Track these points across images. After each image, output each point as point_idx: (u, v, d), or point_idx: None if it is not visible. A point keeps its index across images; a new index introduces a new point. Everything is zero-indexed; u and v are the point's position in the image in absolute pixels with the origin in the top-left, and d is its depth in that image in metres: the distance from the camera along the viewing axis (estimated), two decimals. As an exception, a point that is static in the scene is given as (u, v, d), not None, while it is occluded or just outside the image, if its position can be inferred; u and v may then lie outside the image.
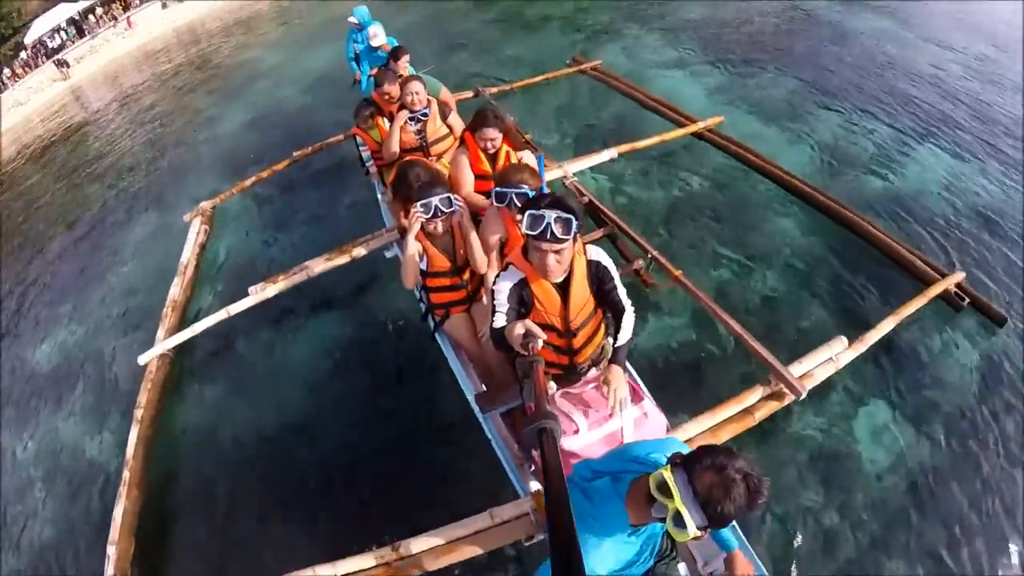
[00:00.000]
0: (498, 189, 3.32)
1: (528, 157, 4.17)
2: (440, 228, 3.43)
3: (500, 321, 2.53)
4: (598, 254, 2.67)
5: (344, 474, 4.13)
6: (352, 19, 7.47)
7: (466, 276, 3.64)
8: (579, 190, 5.36)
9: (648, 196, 6.38)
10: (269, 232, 7.03)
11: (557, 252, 2.40)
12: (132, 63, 21.85)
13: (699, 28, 11.73)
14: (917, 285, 4.61)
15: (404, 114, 4.83)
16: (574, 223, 2.35)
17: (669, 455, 1.79)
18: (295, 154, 7.33)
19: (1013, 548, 3.28)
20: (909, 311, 4.23)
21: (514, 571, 3.38)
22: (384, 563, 2.81)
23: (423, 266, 3.55)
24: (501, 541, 2.83)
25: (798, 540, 3.35)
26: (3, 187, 13.80)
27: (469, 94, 7.91)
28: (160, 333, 5.33)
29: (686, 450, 1.83)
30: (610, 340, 2.93)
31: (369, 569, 2.82)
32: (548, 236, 2.34)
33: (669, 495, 1.63)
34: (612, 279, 2.67)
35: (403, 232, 4.58)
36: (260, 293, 4.84)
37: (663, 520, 1.66)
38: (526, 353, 2.24)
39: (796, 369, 3.56)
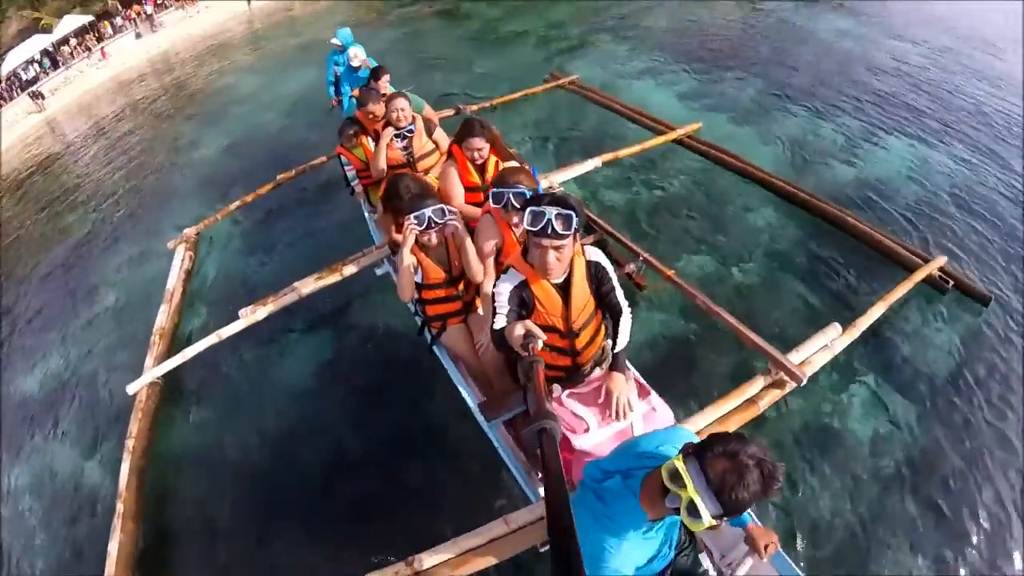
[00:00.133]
0: (495, 189, 3.27)
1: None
2: (434, 239, 3.38)
3: (501, 322, 2.51)
4: (597, 255, 2.68)
5: (347, 493, 4.03)
6: (335, 40, 7.50)
7: (461, 287, 3.58)
8: (567, 198, 5.30)
9: (633, 202, 6.42)
10: (256, 255, 6.92)
11: (558, 249, 2.41)
12: (107, 93, 21.54)
13: (667, 37, 12.05)
14: (902, 272, 4.73)
15: (390, 131, 4.79)
16: (574, 219, 2.35)
17: (681, 445, 1.76)
18: (279, 177, 7.20)
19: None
20: (897, 296, 4.37)
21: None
22: (400, 579, 2.72)
23: (418, 279, 3.48)
24: (516, 548, 2.76)
25: (798, 520, 3.40)
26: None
27: (450, 112, 7.87)
28: (148, 361, 5.19)
29: (695, 439, 1.85)
30: (609, 342, 2.93)
31: (385, 586, 2.73)
32: (549, 232, 2.34)
33: (682, 484, 1.60)
34: (611, 280, 2.69)
35: (394, 247, 4.52)
36: (251, 316, 4.71)
37: (677, 511, 1.62)
38: (526, 354, 2.20)
39: (794, 357, 3.61)
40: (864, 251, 5.19)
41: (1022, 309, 4.67)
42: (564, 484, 1.32)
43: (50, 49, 26.91)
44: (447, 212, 3.30)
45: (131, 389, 4.76)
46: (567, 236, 2.38)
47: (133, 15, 29.79)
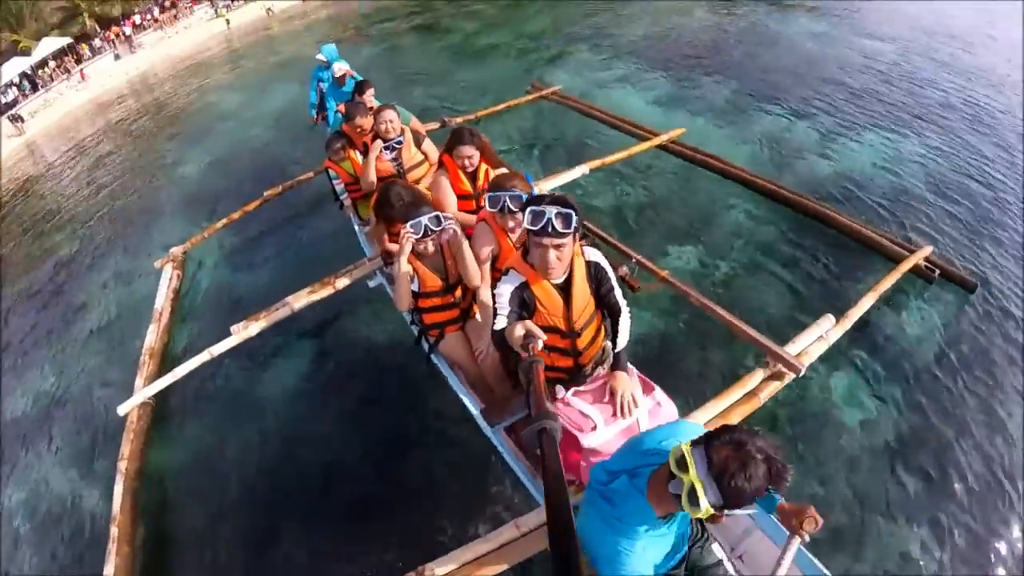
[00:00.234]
0: (492, 193, 3.23)
1: None
2: (431, 247, 3.34)
3: (501, 323, 2.50)
4: (596, 255, 2.69)
5: (349, 508, 3.94)
6: (320, 56, 7.49)
7: (458, 294, 3.54)
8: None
9: (622, 206, 6.44)
10: (246, 272, 6.82)
11: (558, 248, 2.41)
12: (87, 115, 21.34)
13: (644, 45, 12.20)
14: (888, 263, 4.82)
15: (379, 143, 4.75)
16: (574, 217, 2.35)
17: (685, 438, 1.74)
18: (265, 194, 7.08)
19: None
20: (886, 286, 4.46)
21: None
22: (411, 590, 2.65)
23: (414, 287, 3.43)
24: (527, 552, 2.70)
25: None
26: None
27: (435, 125, 7.83)
28: (139, 382, 5.05)
29: (701, 431, 1.80)
30: (609, 343, 2.95)
31: (397, 598, 2.65)
32: (549, 230, 2.35)
33: (686, 469, 1.59)
34: (610, 280, 2.71)
35: (387, 257, 4.49)
36: (243, 332, 4.60)
37: (679, 497, 1.60)
38: (526, 354, 2.17)
39: (791, 349, 3.64)
40: (849, 244, 5.28)
41: (1008, 293, 4.77)
42: (564, 484, 1.32)
43: (29, 72, 26.64)
44: (443, 219, 3.25)
45: (122, 410, 4.61)
46: (567, 235, 2.38)
47: (112, 36, 29.63)
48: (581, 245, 2.65)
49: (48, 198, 13.18)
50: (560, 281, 2.59)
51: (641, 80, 10.25)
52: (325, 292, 4.74)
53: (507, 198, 3.17)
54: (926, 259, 4.81)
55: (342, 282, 4.78)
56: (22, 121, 22.87)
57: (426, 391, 4.34)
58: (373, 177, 4.84)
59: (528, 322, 2.35)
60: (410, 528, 3.65)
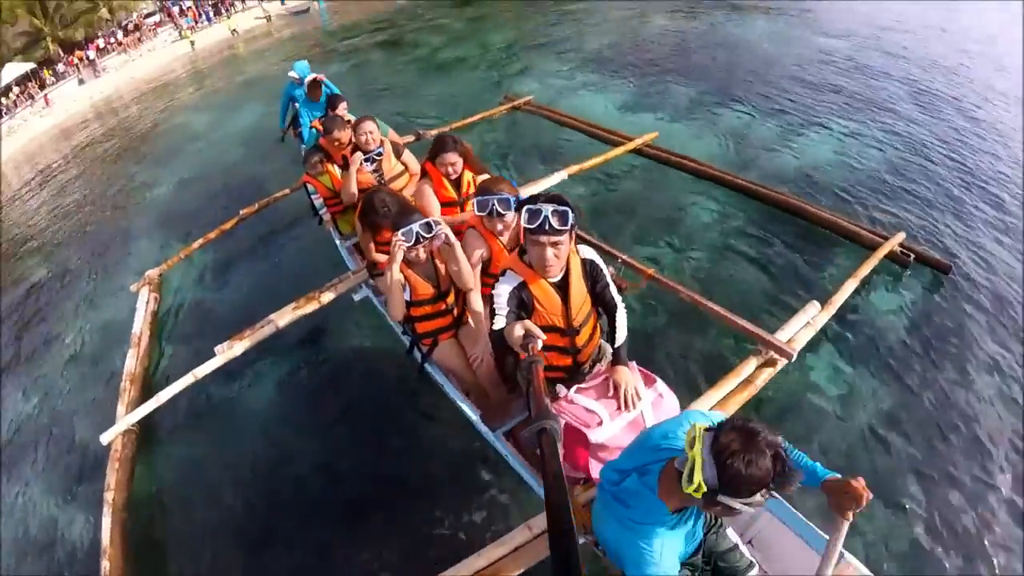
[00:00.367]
0: (479, 197, 3.20)
1: None
2: (422, 255, 3.27)
3: (500, 323, 2.50)
4: (590, 253, 2.72)
5: (353, 523, 3.77)
6: (293, 74, 7.39)
7: (450, 300, 3.47)
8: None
9: (602, 210, 6.42)
10: (226, 292, 6.61)
11: (555, 245, 2.42)
12: (52, 141, 20.75)
13: (608, 54, 12.30)
14: (863, 251, 4.90)
15: (359, 155, 4.66)
16: (570, 215, 2.37)
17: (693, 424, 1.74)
18: (241, 212, 6.83)
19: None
20: (865, 272, 4.53)
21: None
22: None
23: (406, 296, 3.35)
24: (542, 553, 2.63)
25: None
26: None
27: (410, 138, 7.73)
28: (120, 408, 4.78)
29: (707, 418, 1.83)
30: (604, 342, 3.00)
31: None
32: (546, 228, 2.36)
33: (693, 447, 1.60)
34: (604, 277, 2.74)
35: (373, 268, 4.38)
36: (228, 352, 4.42)
37: (681, 473, 1.61)
38: (526, 354, 2.15)
39: (781, 336, 3.72)
40: (821, 234, 5.38)
41: (979, 269, 4.94)
42: (564, 485, 1.30)
43: (-9, 99, 26.02)
44: (434, 225, 3.18)
45: (105, 439, 4.36)
46: (564, 232, 2.40)
47: (75, 61, 29.04)
48: (575, 243, 2.64)
49: (17, 225, 12.66)
50: (557, 279, 2.59)
51: (608, 87, 10.33)
52: (310, 307, 4.60)
53: (495, 201, 3.14)
54: (900, 245, 4.90)
55: (327, 296, 4.65)
56: (-15, 149, 22.26)
57: (421, 401, 4.24)
58: (354, 189, 4.74)
59: (527, 322, 2.33)
60: (419, 540, 3.53)
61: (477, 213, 3.25)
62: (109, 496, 4.02)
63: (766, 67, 9.92)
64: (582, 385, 2.73)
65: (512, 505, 3.51)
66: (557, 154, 7.69)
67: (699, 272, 5.28)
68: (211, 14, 34.30)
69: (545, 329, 2.38)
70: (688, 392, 3.52)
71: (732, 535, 2.27)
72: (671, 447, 1.82)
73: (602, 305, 2.80)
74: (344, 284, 4.68)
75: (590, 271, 2.71)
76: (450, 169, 3.96)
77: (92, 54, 29.73)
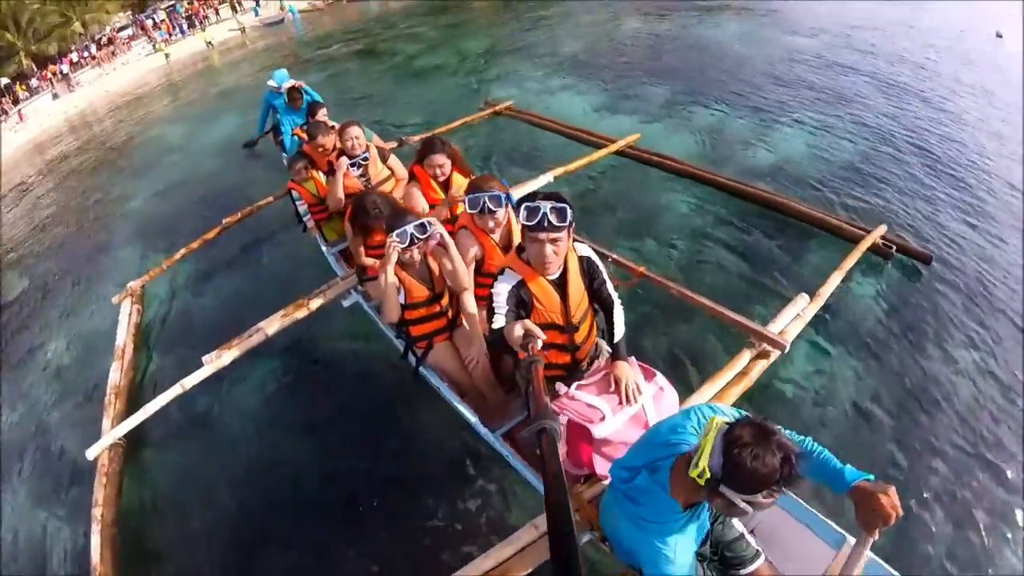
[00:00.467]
0: (471, 195, 3.16)
1: None
2: (416, 256, 3.20)
3: (500, 322, 2.46)
4: (587, 250, 2.72)
5: (353, 531, 3.63)
6: (272, 83, 7.30)
7: (445, 302, 3.40)
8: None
9: (589, 210, 6.37)
10: (211, 301, 6.43)
11: (554, 242, 2.41)
12: (26, 156, 20.14)
13: (581, 59, 12.36)
14: (845, 244, 4.96)
15: (345, 160, 4.59)
16: (568, 211, 2.36)
17: (702, 417, 1.83)
18: (224, 221, 6.68)
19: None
20: (850, 264, 4.60)
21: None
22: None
23: (400, 299, 3.28)
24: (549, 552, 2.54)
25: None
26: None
27: (393, 144, 7.65)
28: (106, 423, 4.62)
29: (725, 414, 1.83)
30: (601, 340, 2.99)
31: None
32: (545, 225, 2.34)
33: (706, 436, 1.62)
34: (601, 274, 2.73)
35: (363, 273, 4.29)
36: (216, 361, 4.31)
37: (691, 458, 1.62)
38: (526, 353, 2.12)
39: (773, 328, 3.76)
40: (803, 229, 5.42)
41: (960, 258, 5.02)
42: (564, 484, 1.27)
43: (-36, 115, 25.42)
44: (428, 226, 3.12)
45: (91, 453, 4.20)
46: (562, 228, 2.38)
47: (49, 75, 28.48)
48: (572, 241, 2.61)
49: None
50: (555, 277, 2.57)
51: (585, 90, 10.34)
52: (299, 315, 4.51)
53: (486, 198, 3.12)
54: (882, 237, 4.96)
55: (316, 303, 4.56)
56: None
57: (416, 405, 4.14)
58: (341, 194, 4.66)
59: (527, 321, 2.29)
60: (423, 544, 3.43)
61: (469, 211, 3.22)
62: (97, 512, 3.87)
63: (739, 66, 10.03)
64: (582, 382, 2.71)
65: (515, 505, 3.44)
66: (540, 157, 7.66)
67: (687, 269, 5.26)
68: (185, 27, 33.90)
69: (544, 327, 2.36)
70: (683, 386, 3.47)
71: (738, 524, 2.26)
72: (680, 442, 1.80)
73: (599, 302, 2.78)
74: (333, 290, 4.59)
75: (587, 268, 2.69)
76: (438, 171, 3.91)
77: (66, 68, 29.18)
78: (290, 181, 5.26)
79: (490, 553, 2.58)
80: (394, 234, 3.06)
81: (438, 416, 3.87)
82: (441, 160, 3.88)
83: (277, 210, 6.86)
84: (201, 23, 33.70)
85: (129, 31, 34.68)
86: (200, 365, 4.34)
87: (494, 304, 2.50)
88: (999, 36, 10.07)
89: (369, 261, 4.19)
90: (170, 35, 32.66)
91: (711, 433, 1.58)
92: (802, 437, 1.84)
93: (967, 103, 7.90)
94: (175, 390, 4.27)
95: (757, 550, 2.23)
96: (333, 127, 5.28)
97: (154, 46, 30.93)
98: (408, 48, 17.07)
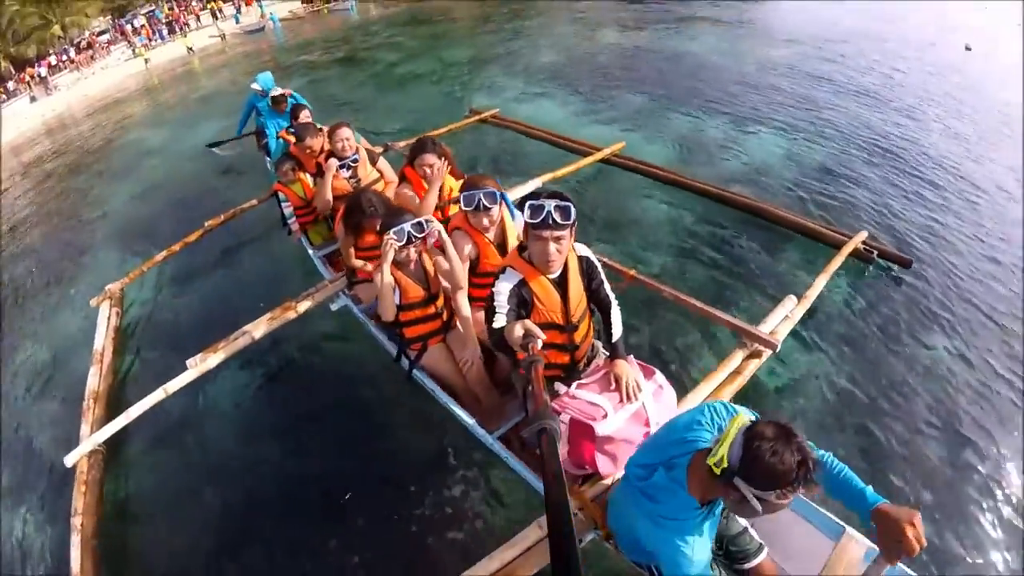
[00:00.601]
0: (466, 192, 3.11)
1: None
2: (413, 255, 3.11)
3: (500, 321, 2.40)
4: (585, 251, 2.69)
5: (351, 541, 3.45)
6: (256, 85, 7.11)
7: (440, 304, 3.30)
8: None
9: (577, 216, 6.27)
10: (193, 305, 6.19)
11: (558, 240, 2.38)
12: (3, 159, 19.71)
13: (561, 70, 12.35)
14: (827, 249, 5.03)
15: (334, 161, 4.44)
16: (572, 210, 2.33)
17: (715, 412, 1.85)
18: (206, 224, 6.41)
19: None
20: (834, 268, 4.64)
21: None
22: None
23: (396, 299, 3.16)
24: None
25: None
26: None
27: (379, 149, 7.48)
28: (84, 428, 4.40)
29: (727, 408, 1.87)
30: (597, 341, 2.97)
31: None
32: (550, 223, 2.31)
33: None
34: (599, 274, 2.71)
35: (352, 275, 4.14)
36: (200, 365, 4.11)
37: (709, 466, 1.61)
38: (526, 353, 2.05)
39: (763, 328, 3.75)
40: (784, 234, 5.48)
41: (938, 260, 5.10)
42: (564, 485, 1.25)
43: (-63, 118, 24.59)
44: (425, 225, 3.03)
45: (70, 460, 3.96)
46: (566, 227, 2.36)
47: (27, 78, 27.76)
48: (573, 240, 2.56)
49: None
50: (556, 276, 2.54)
51: (565, 99, 10.35)
52: (287, 317, 4.34)
53: (481, 195, 3.06)
54: (863, 242, 5.03)
55: (304, 306, 4.39)
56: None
57: (409, 409, 4.01)
58: (329, 196, 4.51)
59: (527, 321, 2.22)
60: (424, 550, 3.30)
61: (464, 208, 3.15)
62: (77, 522, 3.65)
63: (716, 76, 10.14)
64: (582, 381, 2.68)
65: (515, 507, 3.34)
66: (527, 164, 7.56)
67: (675, 273, 5.22)
68: (165, 33, 33.35)
69: (544, 326, 2.32)
70: (677, 385, 3.43)
71: (741, 519, 2.23)
72: (697, 439, 1.79)
73: (597, 302, 2.75)
74: (321, 293, 4.43)
75: (586, 268, 2.66)
76: (427, 171, 3.80)
77: (44, 71, 28.50)
78: (276, 183, 5.10)
79: (494, 555, 2.49)
80: (391, 232, 2.97)
81: (432, 419, 3.74)
82: (432, 160, 3.77)
83: (261, 213, 6.65)
84: (181, 29, 33.18)
85: (108, 35, 33.98)
86: (183, 369, 4.14)
87: (495, 303, 2.44)
88: (968, 49, 10.30)
89: (359, 263, 4.05)
90: (150, 40, 32.09)
91: (734, 427, 1.58)
92: (823, 451, 1.80)
93: (936, 111, 8.07)
94: (158, 394, 4.05)
95: (760, 543, 2.22)
96: (321, 129, 5.14)
97: (134, 51, 30.36)
98: (389, 56, 16.98)
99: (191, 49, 28.87)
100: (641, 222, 6.10)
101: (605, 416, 2.46)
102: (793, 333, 4.04)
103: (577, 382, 2.68)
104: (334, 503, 3.65)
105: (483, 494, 3.49)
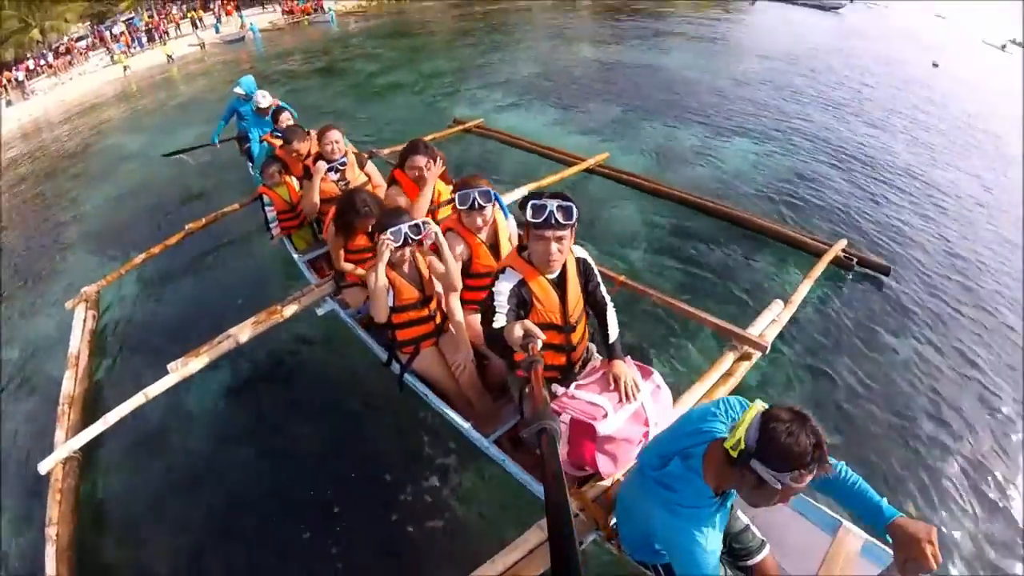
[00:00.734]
0: (460, 191, 3.04)
1: None
2: (407, 256, 3.01)
3: (500, 321, 2.34)
4: (582, 252, 2.67)
5: (345, 550, 3.29)
6: (239, 90, 6.91)
7: (433, 306, 3.19)
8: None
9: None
10: (173, 308, 5.96)
11: (559, 240, 2.35)
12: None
13: (537, 82, 12.49)
14: (808, 257, 5.15)
15: (323, 164, 4.30)
16: (574, 210, 2.31)
17: (728, 407, 1.86)
18: (188, 227, 6.15)
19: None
20: (816, 274, 4.73)
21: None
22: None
23: (389, 301, 3.04)
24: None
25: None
26: None
27: (364, 156, 7.33)
28: (59, 434, 4.16)
29: (741, 403, 1.88)
30: (592, 344, 2.95)
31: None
32: (552, 223, 2.28)
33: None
34: (596, 276, 2.70)
35: (340, 278, 4.00)
36: (182, 369, 3.91)
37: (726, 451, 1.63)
38: (526, 353, 2.01)
39: (752, 331, 3.76)
40: (770, 242, 5.56)
41: (915, 267, 5.30)
42: (564, 486, 1.23)
43: (-88, 120, 23.73)
44: (422, 227, 2.92)
45: (44, 468, 3.71)
46: (568, 227, 2.33)
47: (4, 82, 26.96)
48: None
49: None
50: (554, 277, 2.51)
51: (543, 111, 10.46)
52: (272, 321, 4.16)
53: (476, 193, 3.02)
54: (844, 250, 5.15)
55: (290, 310, 4.23)
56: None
57: (400, 414, 3.88)
58: (316, 199, 4.36)
59: (527, 321, 2.16)
60: (426, 556, 3.20)
61: (459, 206, 3.08)
62: (52, 531, 3.43)
63: (693, 90, 10.35)
64: (581, 381, 2.66)
65: (513, 510, 3.22)
66: (511, 174, 7.53)
67: (660, 279, 5.20)
68: (144, 40, 32.70)
69: (543, 327, 2.25)
70: (670, 387, 3.39)
71: (743, 516, 2.25)
72: (712, 429, 1.80)
73: (593, 304, 2.73)
74: (308, 297, 4.28)
75: (583, 269, 2.64)
76: (417, 173, 3.70)
77: (21, 75, 27.70)
78: (261, 186, 4.93)
79: (496, 559, 2.41)
80: (388, 232, 2.86)
81: (423, 423, 3.65)
82: (422, 161, 3.67)
83: (244, 217, 6.46)
84: (161, 37, 32.57)
85: (86, 41, 33.21)
86: (163, 373, 3.94)
87: (495, 303, 2.39)
88: (935, 66, 10.61)
89: (348, 266, 3.91)
90: (129, 48, 31.40)
91: (751, 412, 1.60)
92: (836, 461, 1.82)
93: (904, 123, 8.37)
94: (137, 399, 3.83)
95: (762, 540, 2.22)
96: (309, 132, 4.99)
97: (112, 58, 29.68)
98: (369, 67, 16.90)
99: (171, 57, 28.31)
100: (626, 231, 6.09)
101: (605, 416, 2.42)
102: (780, 335, 4.04)
103: (576, 383, 2.64)
104: (323, 511, 3.50)
105: (480, 498, 3.39)
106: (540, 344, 2.06)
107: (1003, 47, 15.69)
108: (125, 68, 27.54)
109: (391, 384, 3.43)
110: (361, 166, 4.59)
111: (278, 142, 5.52)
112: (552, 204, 2.26)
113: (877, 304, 4.81)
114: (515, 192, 5.75)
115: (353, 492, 3.60)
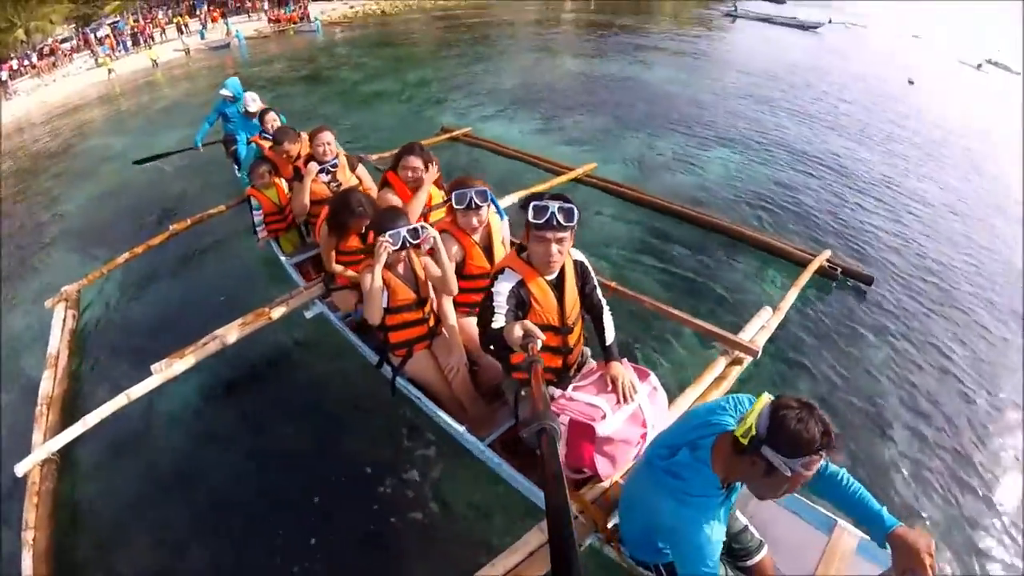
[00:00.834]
0: (457, 191, 3.00)
1: None
2: (403, 257, 2.96)
3: (499, 322, 2.31)
4: (580, 255, 2.67)
5: (339, 557, 3.17)
6: (225, 92, 6.76)
7: (427, 309, 3.13)
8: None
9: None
10: (157, 309, 5.77)
11: (559, 241, 2.34)
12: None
13: (519, 94, 12.53)
14: (793, 266, 5.23)
15: (314, 165, 4.22)
16: (575, 212, 2.30)
17: (736, 404, 1.88)
18: (172, 227, 5.99)
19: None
20: (802, 283, 4.82)
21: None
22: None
23: (383, 302, 2.97)
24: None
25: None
26: None
27: (355, 159, 7.24)
28: (37, 436, 3.99)
29: (749, 400, 1.88)
30: (586, 348, 2.93)
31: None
32: (553, 224, 2.27)
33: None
34: (592, 278, 2.71)
35: (330, 280, 3.91)
36: (166, 370, 3.79)
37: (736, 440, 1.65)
38: (526, 353, 1.96)
39: (743, 336, 3.81)
40: (755, 252, 5.63)
41: (898, 276, 5.40)
42: (564, 486, 1.20)
43: None
44: (421, 231, 2.86)
45: (20, 470, 3.56)
46: (568, 228, 2.33)
47: (-15, 83, 26.40)
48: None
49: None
50: (552, 278, 2.50)
51: (531, 122, 10.46)
52: (259, 324, 4.06)
53: (473, 193, 2.98)
54: (828, 260, 5.21)
55: (278, 312, 4.12)
56: None
57: (390, 417, 3.77)
58: (307, 200, 4.27)
59: (526, 322, 2.12)
60: (425, 560, 3.09)
61: (455, 206, 3.04)
62: (29, 536, 3.28)
63: (674, 103, 10.46)
64: (578, 383, 2.63)
65: (510, 513, 3.16)
66: (499, 182, 7.38)
67: (649, 287, 5.16)
68: (129, 44, 32.21)
69: (540, 328, 2.19)
70: (665, 390, 3.37)
71: (741, 517, 2.25)
72: (720, 422, 1.81)
73: (589, 306, 2.73)
74: (296, 300, 4.18)
75: (581, 272, 2.66)
76: (411, 174, 3.65)
77: (4, 75, 27.13)
78: (249, 187, 4.81)
79: (496, 561, 2.36)
80: (386, 234, 2.80)
81: (414, 427, 3.57)
82: (416, 163, 3.63)
83: (229, 219, 6.32)
84: (146, 41, 32.13)
85: (71, 43, 32.62)
86: (145, 374, 3.82)
87: (494, 304, 2.36)
88: (911, 83, 10.81)
89: (339, 268, 3.81)
90: (113, 51, 30.89)
91: (761, 402, 1.62)
92: (837, 468, 1.88)
93: (881, 136, 8.59)
94: (119, 400, 3.70)
95: (761, 540, 2.22)
96: (300, 134, 4.88)
97: (96, 61, 29.19)
98: (355, 76, 16.84)
99: (155, 62, 27.91)
100: (615, 240, 6.09)
101: (604, 417, 2.40)
102: (769, 341, 4.08)
103: (573, 384, 2.61)
104: (313, 515, 3.38)
105: (476, 502, 3.31)
106: (540, 344, 2.03)
107: (979, 66, 16.09)
108: (110, 71, 27.08)
109: (381, 387, 3.36)
110: (352, 169, 4.50)
111: (267, 144, 5.40)
112: (554, 205, 2.25)
113: (860, 312, 4.90)
114: (504, 200, 5.70)
115: (344, 496, 3.48)
